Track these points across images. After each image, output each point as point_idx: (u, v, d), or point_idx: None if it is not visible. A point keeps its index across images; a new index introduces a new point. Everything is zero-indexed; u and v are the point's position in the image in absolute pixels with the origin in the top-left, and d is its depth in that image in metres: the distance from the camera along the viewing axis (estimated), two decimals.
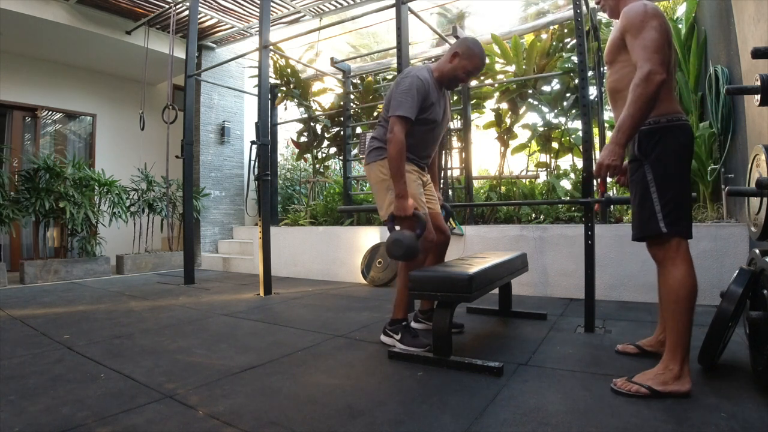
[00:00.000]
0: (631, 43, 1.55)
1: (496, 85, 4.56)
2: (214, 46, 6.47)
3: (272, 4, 5.10)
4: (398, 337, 2.13)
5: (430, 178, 2.45)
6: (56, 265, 4.89)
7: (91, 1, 5.09)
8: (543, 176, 4.57)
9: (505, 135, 4.58)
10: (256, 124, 3.90)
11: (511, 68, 4.40)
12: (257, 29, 5.00)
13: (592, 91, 3.86)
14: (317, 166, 6.16)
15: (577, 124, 4.26)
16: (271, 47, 4.08)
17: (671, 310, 1.54)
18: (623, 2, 1.70)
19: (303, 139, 6.00)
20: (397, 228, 2.14)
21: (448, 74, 2.19)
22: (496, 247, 3.66)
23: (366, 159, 2.28)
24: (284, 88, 5.81)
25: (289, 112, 6.40)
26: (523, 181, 4.63)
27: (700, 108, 3.52)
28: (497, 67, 4.53)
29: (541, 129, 4.34)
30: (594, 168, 1.59)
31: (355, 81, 5.60)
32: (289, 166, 7.44)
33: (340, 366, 1.92)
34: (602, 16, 4.16)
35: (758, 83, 1.50)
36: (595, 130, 3.85)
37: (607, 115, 4.06)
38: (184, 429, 1.35)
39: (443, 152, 4.71)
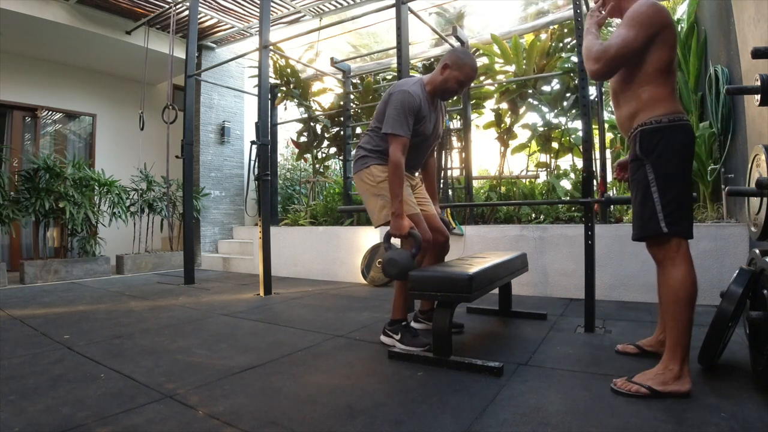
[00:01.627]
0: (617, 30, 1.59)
1: (496, 85, 4.56)
2: (214, 46, 6.47)
3: (272, 4, 5.10)
4: (398, 337, 2.13)
5: (421, 181, 2.46)
6: (56, 265, 4.89)
7: (91, 1, 5.09)
8: (543, 176, 4.57)
9: (505, 135, 4.58)
10: (256, 124, 3.90)
11: (511, 68, 4.40)
12: (257, 29, 5.00)
13: (592, 91, 3.85)
14: (317, 166, 6.16)
15: (577, 124, 4.26)
16: (271, 47, 4.08)
17: (671, 310, 1.54)
18: (626, 2, 1.70)
19: (303, 139, 6.00)
20: (395, 246, 2.15)
21: (440, 86, 2.18)
22: (496, 247, 3.66)
23: (354, 168, 2.29)
24: (284, 88, 5.81)
25: (289, 112, 6.40)
26: (523, 181, 4.63)
27: (700, 108, 3.52)
28: (497, 67, 4.52)
29: (541, 129, 4.34)
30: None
31: (355, 81, 5.60)
32: (289, 166, 7.44)
33: (340, 366, 1.92)
34: None
35: (758, 83, 1.50)
36: (595, 130, 3.85)
37: (607, 115, 4.06)
38: (184, 429, 1.35)
39: (443, 152, 4.71)
